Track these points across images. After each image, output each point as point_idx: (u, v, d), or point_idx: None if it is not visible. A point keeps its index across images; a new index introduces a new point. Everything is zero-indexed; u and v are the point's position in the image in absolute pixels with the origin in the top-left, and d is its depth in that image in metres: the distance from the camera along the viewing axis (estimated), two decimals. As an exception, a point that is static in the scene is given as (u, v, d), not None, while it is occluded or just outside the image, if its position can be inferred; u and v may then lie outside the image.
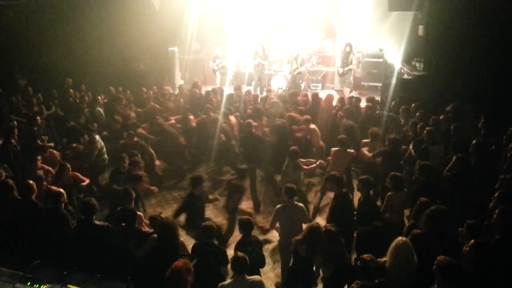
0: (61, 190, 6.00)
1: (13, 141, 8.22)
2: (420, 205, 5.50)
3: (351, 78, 14.19)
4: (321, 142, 9.36)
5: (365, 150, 8.10)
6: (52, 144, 9.39)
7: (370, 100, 10.58)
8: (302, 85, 14.68)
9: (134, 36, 13.82)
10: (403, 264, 4.57)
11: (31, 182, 6.14)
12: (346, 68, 13.76)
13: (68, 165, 7.25)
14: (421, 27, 11.64)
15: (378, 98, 11.86)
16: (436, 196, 6.11)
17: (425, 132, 7.84)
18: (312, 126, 9.34)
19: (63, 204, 5.89)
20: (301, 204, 6.16)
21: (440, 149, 7.66)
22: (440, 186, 6.61)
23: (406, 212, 6.48)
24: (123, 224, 5.51)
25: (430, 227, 4.93)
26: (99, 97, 11.35)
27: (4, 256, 4.75)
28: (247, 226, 5.37)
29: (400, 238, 4.71)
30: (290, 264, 5.54)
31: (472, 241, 4.57)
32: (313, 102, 10.86)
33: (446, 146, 7.70)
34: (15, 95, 11.42)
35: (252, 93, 12.82)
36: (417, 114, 9.14)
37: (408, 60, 12.47)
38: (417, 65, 11.76)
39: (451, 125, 8.33)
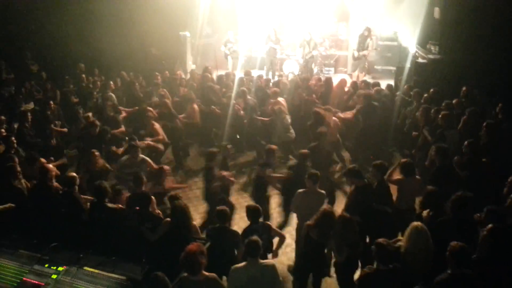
0: (74, 174, 6.08)
1: (27, 125, 8.34)
2: (428, 193, 5.43)
3: (366, 63, 13.99)
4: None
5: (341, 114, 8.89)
6: (66, 129, 9.49)
7: (376, 85, 10.54)
8: (315, 69, 14.53)
9: (146, 20, 13.80)
10: (420, 249, 4.55)
11: (49, 166, 6.22)
12: (361, 53, 13.55)
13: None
14: (437, 9, 11.40)
15: (392, 82, 11.72)
16: (452, 180, 6.04)
17: (440, 116, 7.72)
18: (280, 98, 9.83)
19: (76, 188, 5.97)
20: (323, 191, 6.09)
21: (455, 134, 7.56)
22: (456, 170, 6.50)
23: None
24: (137, 207, 5.58)
25: (455, 214, 4.88)
26: (111, 82, 11.37)
27: (22, 238, 4.85)
28: (254, 213, 5.37)
29: (416, 222, 4.68)
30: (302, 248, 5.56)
31: (490, 225, 4.54)
32: (326, 86, 10.78)
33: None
34: (28, 81, 11.54)
35: (264, 77, 12.73)
36: (425, 95, 9.04)
37: (423, 43, 12.25)
38: (432, 49, 11.56)
39: (464, 109, 8.21)
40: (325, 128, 7.81)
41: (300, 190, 6.06)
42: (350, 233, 4.99)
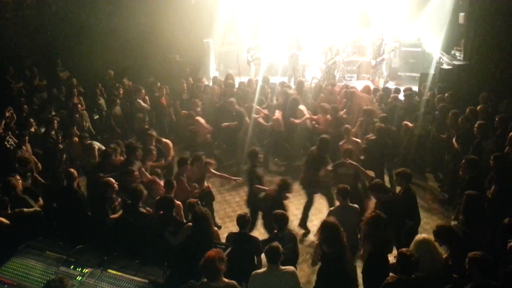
0: (111, 179, 6.20)
1: (53, 132, 8.68)
2: (468, 199, 5.35)
3: (383, 68, 13.87)
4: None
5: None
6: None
7: (396, 91, 10.54)
8: (337, 76, 14.48)
9: (171, 28, 14.05)
10: (425, 260, 4.45)
11: (72, 170, 6.39)
12: (378, 59, 13.45)
13: None
14: (462, 15, 11.23)
15: (415, 88, 11.59)
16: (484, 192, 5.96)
17: (476, 126, 7.50)
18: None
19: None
20: (355, 206, 5.95)
21: (492, 144, 7.33)
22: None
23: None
24: (161, 212, 5.67)
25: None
26: (143, 90, 11.53)
27: (49, 240, 4.99)
28: (281, 221, 5.35)
29: (420, 235, 4.64)
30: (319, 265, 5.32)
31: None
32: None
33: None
34: (57, 87, 11.88)
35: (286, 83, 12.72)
36: (441, 104, 8.92)
37: (447, 49, 12.10)
38: (457, 54, 11.39)
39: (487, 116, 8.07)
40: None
41: (332, 208, 5.98)
42: (380, 231, 4.94)
